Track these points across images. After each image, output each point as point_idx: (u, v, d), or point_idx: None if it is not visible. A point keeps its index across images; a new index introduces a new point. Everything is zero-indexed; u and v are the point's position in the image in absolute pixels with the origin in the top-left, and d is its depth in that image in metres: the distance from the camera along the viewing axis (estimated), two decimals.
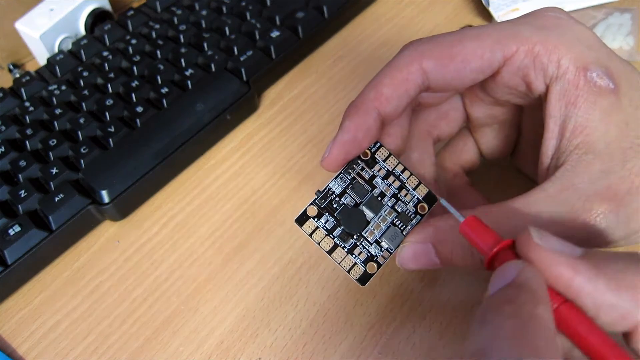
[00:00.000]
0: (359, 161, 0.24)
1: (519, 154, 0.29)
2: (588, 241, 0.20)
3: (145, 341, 0.28)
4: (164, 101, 0.36)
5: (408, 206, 0.24)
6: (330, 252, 0.22)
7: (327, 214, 0.23)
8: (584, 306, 0.17)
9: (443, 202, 0.22)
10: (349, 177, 0.23)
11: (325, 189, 0.23)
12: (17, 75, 0.43)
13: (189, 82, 0.37)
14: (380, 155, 0.24)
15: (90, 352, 0.28)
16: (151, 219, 0.33)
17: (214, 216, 0.33)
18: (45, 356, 0.28)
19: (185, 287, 0.30)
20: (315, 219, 0.23)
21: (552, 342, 0.16)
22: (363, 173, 0.24)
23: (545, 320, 0.16)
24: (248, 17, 0.42)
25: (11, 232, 0.30)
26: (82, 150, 0.34)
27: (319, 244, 0.22)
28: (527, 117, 0.27)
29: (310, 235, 0.22)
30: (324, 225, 0.23)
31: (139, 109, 0.35)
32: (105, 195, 0.32)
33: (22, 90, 0.39)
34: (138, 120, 0.35)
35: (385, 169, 0.24)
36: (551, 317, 0.16)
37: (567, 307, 0.17)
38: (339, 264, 0.22)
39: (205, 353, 0.27)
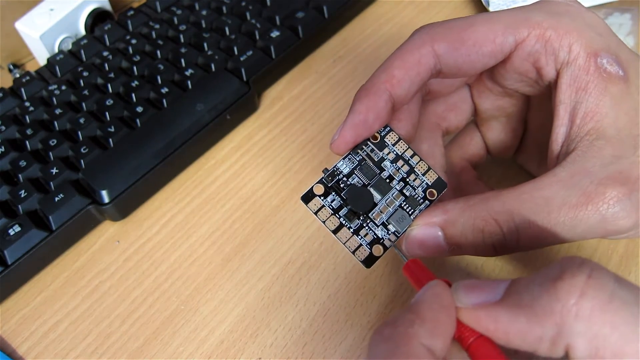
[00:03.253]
0: (368, 143, 0.23)
1: (524, 150, 0.29)
2: (601, 227, 0.20)
3: (145, 341, 0.28)
4: (164, 101, 0.36)
5: (417, 191, 0.23)
6: (335, 231, 0.22)
7: (333, 193, 0.22)
8: (519, 347, 0.17)
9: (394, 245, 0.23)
10: (358, 158, 0.23)
11: (333, 168, 0.23)
12: (17, 75, 0.43)
13: (189, 82, 0.37)
14: (390, 139, 0.24)
15: (90, 352, 0.28)
16: (151, 219, 0.33)
17: (214, 216, 0.33)
18: (45, 356, 0.28)
19: (185, 287, 0.30)
20: (322, 198, 0.22)
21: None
22: (372, 155, 0.23)
23: (417, 338, 0.17)
24: (248, 17, 0.42)
25: (11, 232, 0.30)
26: (82, 150, 0.34)
27: (324, 222, 0.22)
28: (534, 110, 0.27)
29: (316, 213, 0.22)
30: (330, 204, 0.22)
31: (139, 109, 0.35)
32: (105, 195, 0.32)
33: (22, 90, 0.39)
34: (138, 120, 0.35)
35: (395, 152, 0.24)
36: (428, 334, 0.17)
37: (480, 342, 0.17)
38: (344, 244, 0.22)
39: (205, 353, 0.27)
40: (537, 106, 0.27)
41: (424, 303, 0.18)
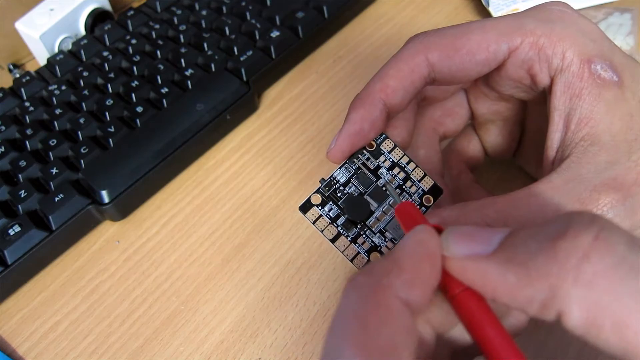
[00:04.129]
0: (364, 151, 0.24)
1: (522, 151, 0.29)
2: None
3: (145, 341, 0.28)
4: (164, 101, 0.36)
5: (413, 198, 0.24)
6: (333, 240, 0.22)
7: (331, 202, 0.23)
8: (506, 304, 0.15)
9: (387, 185, 0.23)
10: (354, 167, 0.23)
11: (329, 177, 0.23)
12: (17, 75, 0.43)
13: (189, 82, 0.37)
14: (386, 146, 0.24)
15: (90, 352, 0.28)
16: (151, 219, 0.33)
17: (214, 216, 0.33)
18: (45, 356, 0.28)
19: (185, 287, 0.30)
20: (319, 207, 0.23)
21: (396, 315, 0.15)
22: (368, 163, 0.24)
23: (391, 289, 0.15)
24: (248, 17, 0.42)
25: (11, 232, 0.30)
26: (82, 150, 0.34)
27: (322, 231, 0.22)
28: (531, 113, 0.27)
29: (314, 223, 0.22)
30: (328, 214, 0.23)
31: (139, 109, 0.35)
32: (105, 195, 0.32)
33: (22, 90, 0.39)
34: (138, 120, 0.35)
35: (391, 160, 0.24)
36: (405, 284, 0.15)
37: (466, 296, 0.16)
38: (342, 252, 0.22)
39: (205, 353, 0.27)
40: (534, 110, 0.27)
41: (405, 250, 0.16)
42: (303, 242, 0.31)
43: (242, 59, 0.38)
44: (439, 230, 0.18)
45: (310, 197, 0.23)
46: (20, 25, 0.42)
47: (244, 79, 0.37)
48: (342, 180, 0.23)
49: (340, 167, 0.23)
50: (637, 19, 0.37)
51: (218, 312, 0.29)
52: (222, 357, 0.27)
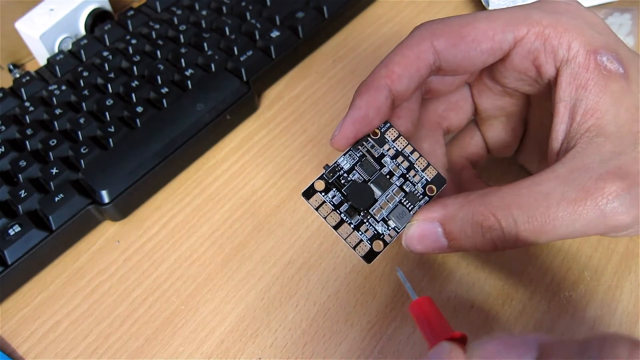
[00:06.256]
0: (368, 139, 0.24)
1: (524, 150, 0.29)
2: (601, 222, 0.20)
3: (145, 341, 0.28)
4: (164, 101, 0.36)
5: (416, 187, 0.23)
6: (336, 227, 0.22)
7: (334, 189, 0.23)
8: None
9: (399, 273, 0.23)
10: (358, 154, 0.23)
11: (333, 164, 0.23)
12: (17, 75, 0.43)
13: (189, 82, 0.37)
14: (390, 135, 0.24)
15: (90, 352, 0.28)
16: (151, 219, 0.33)
17: (214, 216, 0.33)
18: (45, 356, 0.28)
19: (185, 287, 0.30)
20: (323, 194, 0.22)
21: None
22: (372, 151, 0.23)
23: None
24: (248, 17, 0.42)
25: (11, 232, 0.30)
26: (82, 150, 0.34)
27: (325, 218, 0.22)
28: (534, 110, 0.27)
29: (317, 209, 0.22)
30: (331, 200, 0.22)
31: (139, 109, 0.35)
32: (105, 195, 0.32)
33: (22, 90, 0.39)
34: (138, 120, 0.35)
35: (395, 148, 0.24)
36: None
37: None
38: (344, 239, 0.22)
39: (205, 353, 0.27)
40: (537, 106, 0.27)
41: None
42: (303, 242, 0.31)
43: (242, 59, 0.38)
44: (463, 338, 0.18)
45: (313, 183, 0.22)
46: (20, 25, 0.42)
47: (244, 79, 0.37)
48: (346, 167, 0.23)
49: (344, 154, 0.23)
50: (637, 19, 0.37)
51: (218, 312, 0.29)
52: (222, 357, 0.27)
